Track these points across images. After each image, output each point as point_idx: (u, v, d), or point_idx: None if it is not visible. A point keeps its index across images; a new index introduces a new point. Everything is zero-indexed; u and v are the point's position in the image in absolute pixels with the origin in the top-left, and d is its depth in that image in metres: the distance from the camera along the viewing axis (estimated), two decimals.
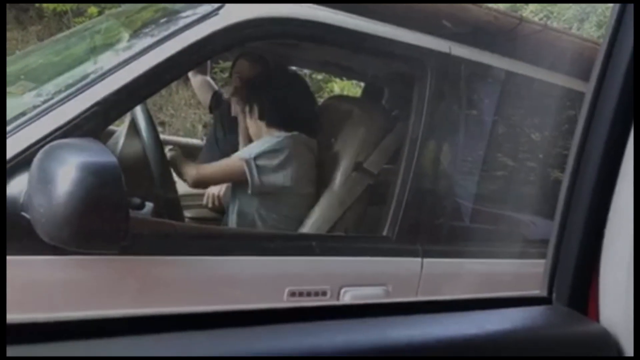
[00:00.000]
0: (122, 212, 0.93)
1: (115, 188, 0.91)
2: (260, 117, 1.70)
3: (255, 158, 1.57)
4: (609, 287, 0.60)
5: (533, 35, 1.67)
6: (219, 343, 0.45)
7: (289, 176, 1.60)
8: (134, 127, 1.38)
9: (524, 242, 1.68)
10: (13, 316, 0.42)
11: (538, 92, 1.73)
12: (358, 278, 1.41)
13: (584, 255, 0.62)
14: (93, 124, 1.07)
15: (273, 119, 1.68)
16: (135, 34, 1.48)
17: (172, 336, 0.45)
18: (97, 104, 1.09)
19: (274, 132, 1.68)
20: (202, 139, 2.83)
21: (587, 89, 0.62)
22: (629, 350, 0.58)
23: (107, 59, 1.33)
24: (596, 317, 0.61)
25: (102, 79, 1.15)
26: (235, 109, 2.22)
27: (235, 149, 2.06)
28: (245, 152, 1.65)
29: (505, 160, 1.85)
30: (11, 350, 0.39)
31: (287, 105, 1.69)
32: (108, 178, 0.90)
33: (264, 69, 2.09)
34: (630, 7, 0.59)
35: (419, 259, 1.46)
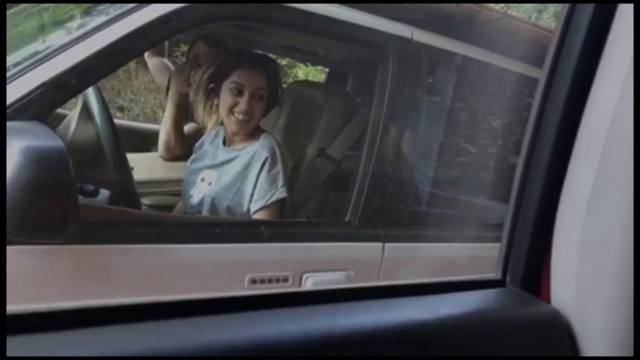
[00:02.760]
0: (70, 199, 0.89)
1: (62, 174, 0.86)
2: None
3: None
4: (560, 269, 0.61)
5: (493, 23, 1.69)
6: (179, 332, 0.44)
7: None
8: (86, 110, 1.32)
9: (484, 226, 1.72)
10: (13, 307, 0.42)
11: (497, 79, 1.76)
12: (320, 264, 1.40)
13: (537, 238, 0.63)
14: (39, 106, 1.01)
15: None
16: (88, 11, 1.41)
17: (141, 326, 0.43)
18: (44, 84, 1.03)
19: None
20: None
21: (541, 75, 0.62)
22: (578, 329, 0.60)
23: (56, 38, 1.26)
24: (547, 298, 0.62)
25: (50, 58, 1.08)
26: (192, 93, 2.15)
27: None
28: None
29: (466, 146, 1.88)
30: (11, 340, 0.39)
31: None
32: (54, 163, 0.86)
33: (222, 52, 2.03)
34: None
35: (380, 244, 1.47)
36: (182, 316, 0.44)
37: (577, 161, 0.59)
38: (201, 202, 1.53)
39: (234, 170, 1.53)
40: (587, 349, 0.58)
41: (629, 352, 0.57)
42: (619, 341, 0.57)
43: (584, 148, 0.59)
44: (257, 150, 1.52)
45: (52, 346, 0.40)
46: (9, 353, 0.38)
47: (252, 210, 1.49)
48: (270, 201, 1.48)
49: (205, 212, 1.52)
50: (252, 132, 1.57)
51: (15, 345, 0.39)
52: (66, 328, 0.41)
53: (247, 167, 1.52)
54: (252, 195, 1.50)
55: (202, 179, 1.57)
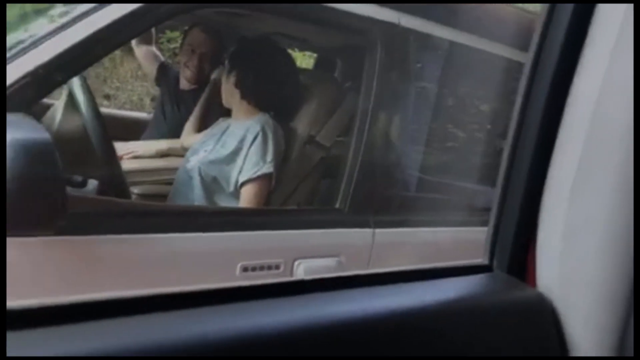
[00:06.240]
0: (57, 191, 0.88)
1: (49, 166, 0.85)
2: (237, 86, 1.63)
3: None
4: (545, 254, 0.62)
5: (480, 8, 1.68)
6: (168, 326, 0.44)
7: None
8: (71, 100, 1.30)
9: (474, 210, 1.73)
10: (12, 302, 0.42)
11: (485, 64, 1.76)
12: (311, 250, 1.41)
13: (523, 223, 0.64)
14: (23, 97, 1.00)
15: (250, 93, 1.62)
16: None
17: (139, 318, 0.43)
18: (28, 74, 1.02)
19: (245, 108, 1.63)
20: (149, 113, 2.73)
21: (526, 59, 0.63)
22: (562, 312, 0.61)
23: (39, 26, 1.24)
24: (533, 282, 0.63)
25: (34, 48, 1.07)
26: (184, 81, 2.15)
27: (183, 123, 1.99)
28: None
29: (455, 131, 1.89)
30: (11, 335, 0.39)
31: (267, 81, 1.62)
32: (40, 155, 0.85)
33: (217, 39, 2.04)
34: None
35: (370, 230, 1.48)
36: (170, 309, 0.44)
37: (561, 147, 0.60)
38: (194, 168, 1.57)
39: (231, 143, 1.58)
40: (571, 332, 0.59)
41: (611, 335, 0.59)
42: (602, 323, 0.58)
43: (568, 135, 0.60)
44: (252, 124, 1.57)
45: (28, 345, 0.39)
46: (9, 347, 0.38)
47: (239, 182, 1.53)
48: (257, 174, 1.51)
49: (196, 177, 1.55)
50: (252, 110, 1.61)
51: (14, 340, 0.39)
52: (45, 325, 0.41)
53: (242, 140, 1.56)
54: (242, 167, 1.53)
55: (205, 150, 1.63)
